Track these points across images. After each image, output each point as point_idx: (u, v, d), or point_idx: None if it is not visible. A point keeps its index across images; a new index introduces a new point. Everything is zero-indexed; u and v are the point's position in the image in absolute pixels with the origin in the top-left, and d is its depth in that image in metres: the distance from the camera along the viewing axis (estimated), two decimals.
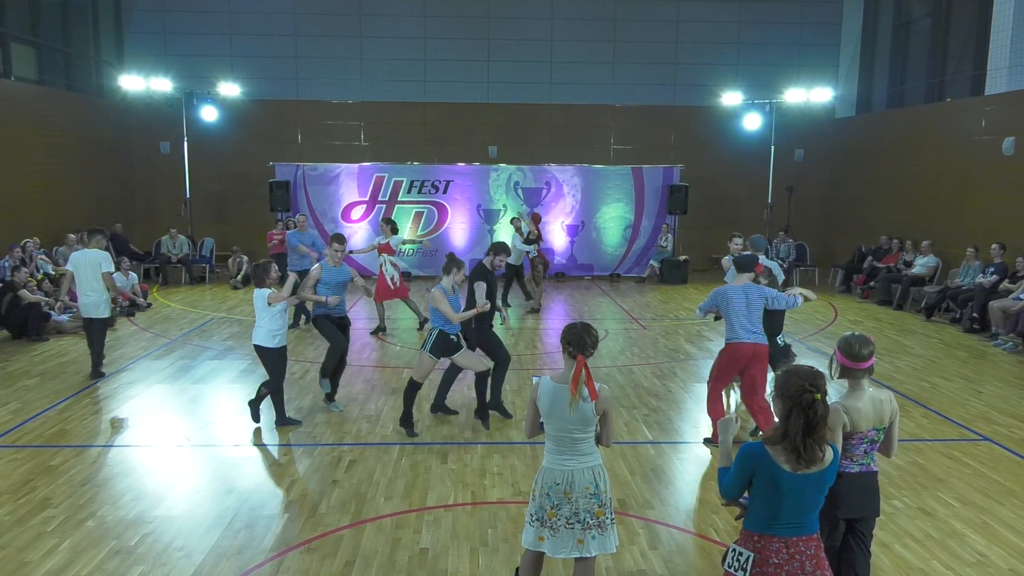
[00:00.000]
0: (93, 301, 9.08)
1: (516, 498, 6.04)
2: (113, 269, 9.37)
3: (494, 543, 5.35)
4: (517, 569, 4.57)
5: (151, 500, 5.97)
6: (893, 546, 5.34)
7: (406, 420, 7.48)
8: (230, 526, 5.56)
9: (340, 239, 8.50)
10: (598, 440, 4.21)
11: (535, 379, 4.26)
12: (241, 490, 6.18)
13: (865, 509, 4.13)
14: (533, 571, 4.34)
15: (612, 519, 4.18)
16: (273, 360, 7.45)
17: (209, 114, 17.39)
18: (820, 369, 3.38)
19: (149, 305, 13.79)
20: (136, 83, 16.45)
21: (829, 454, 3.31)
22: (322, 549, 5.26)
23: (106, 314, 9.27)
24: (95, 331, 9.27)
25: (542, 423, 4.18)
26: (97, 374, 9.31)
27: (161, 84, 16.75)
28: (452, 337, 7.45)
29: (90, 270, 9.05)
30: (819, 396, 3.23)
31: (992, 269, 12.56)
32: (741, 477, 3.36)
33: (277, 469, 6.65)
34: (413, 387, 7.47)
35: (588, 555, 4.13)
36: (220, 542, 5.33)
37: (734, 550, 3.42)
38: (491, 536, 5.45)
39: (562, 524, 4.09)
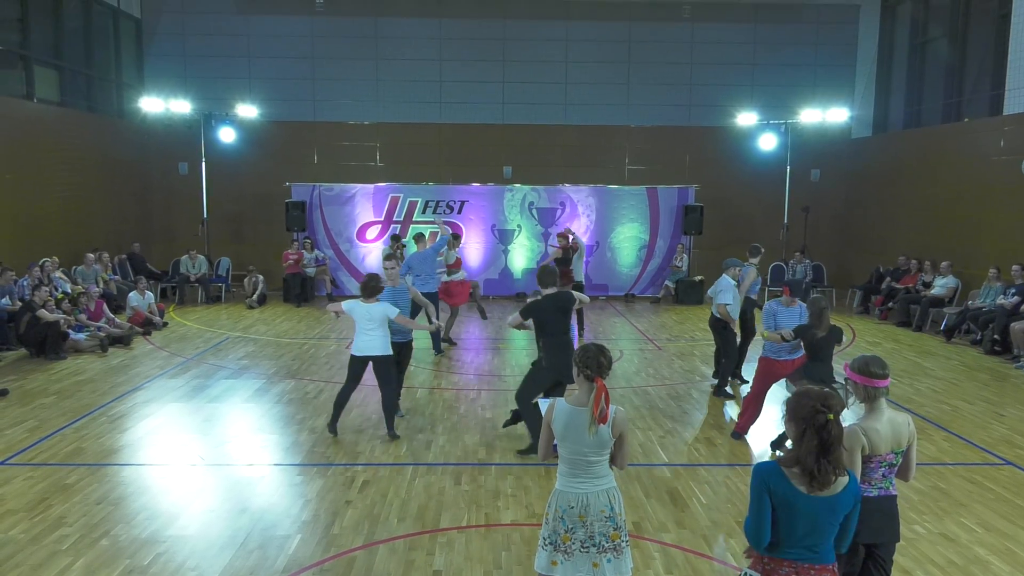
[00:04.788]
0: None
1: (530, 520, 5.99)
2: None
3: (508, 566, 5.30)
4: None
5: (165, 519, 5.97)
6: (915, 572, 5.24)
7: None
8: (243, 546, 5.54)
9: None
10: (612, 462, 4.16)
11: (542, 401, 4.23)
12: (254, 510, 6.17)
13: (884, 534, 4.05)
14: None
15: (627, 542, 4.13)
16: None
17: (227, 135, 17.56)
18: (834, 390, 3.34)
19: (165, 324, 13.88)
20: (156, 105, 16.68)
21: (844, 480, 3.23)
22: (335, 570, 5.23)
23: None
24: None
25: (555, 445, 4.14)
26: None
27: (180, 106, 16.96)
28: None
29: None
30: (832, 416, 3.16)
31: (1013, 290, 12.39)
32: (759, 503, 3.23)
33: (291, 489, 6.63)
34: None
35: None
36: (233, 562, 5.31)
37: (746, 574, 3.38)
38: (505, 559, 5.40)
39: (577, 548, 4.04)
